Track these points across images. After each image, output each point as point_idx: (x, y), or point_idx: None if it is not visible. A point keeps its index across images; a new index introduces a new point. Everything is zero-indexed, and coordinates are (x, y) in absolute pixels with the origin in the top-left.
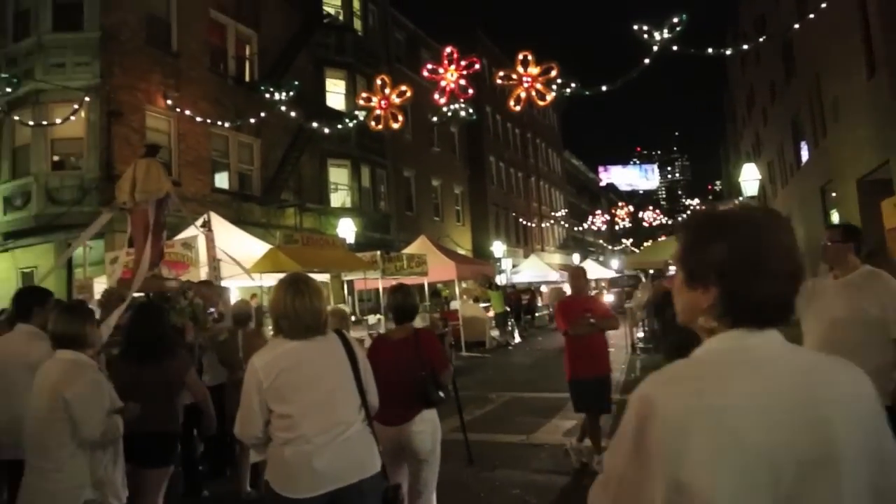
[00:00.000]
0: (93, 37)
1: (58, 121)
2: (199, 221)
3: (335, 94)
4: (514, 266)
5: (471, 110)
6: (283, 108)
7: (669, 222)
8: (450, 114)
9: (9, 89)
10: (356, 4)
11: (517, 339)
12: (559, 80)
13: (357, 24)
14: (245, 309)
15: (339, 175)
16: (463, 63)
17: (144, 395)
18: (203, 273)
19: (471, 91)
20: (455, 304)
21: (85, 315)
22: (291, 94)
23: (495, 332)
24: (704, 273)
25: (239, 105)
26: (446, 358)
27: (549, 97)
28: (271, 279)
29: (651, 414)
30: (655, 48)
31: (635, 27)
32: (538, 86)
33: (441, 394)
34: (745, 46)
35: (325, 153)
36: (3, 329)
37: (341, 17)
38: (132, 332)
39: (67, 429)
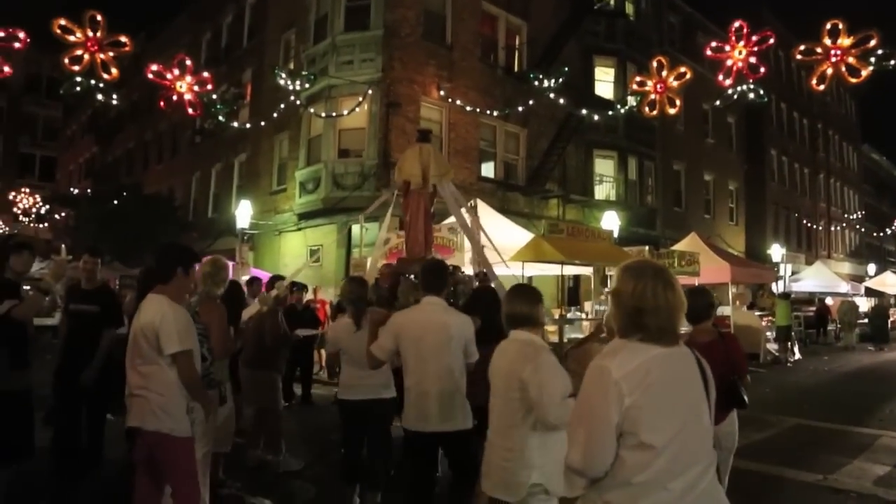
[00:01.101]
0: (377, 34)
1: (345, 112)
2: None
3: (604, 82)
4: (793, 273)
5: (761, 91)
6: (552, 96)
7: None
8: (735, 97)
9: (308, 86)
10: None
11: (797, 355)
12: (879, 51)
13: (629, 8)
14: None
15: (604, 166)
16: (754, 38)
17: (477, 375)
18: (467, 258)
19: (762, 69)
20: (725, 310)
21: (535, 295)
22: (560, 80)
23: (773, 346)
24: None
25: (507, 95)
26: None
27: (865, 72)
28: (532, 269)
29: None
30: None
31: None
32: (850, 59)
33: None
34: None
35: (591, 144)
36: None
37: (612, 3)
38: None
39: (522, 410)
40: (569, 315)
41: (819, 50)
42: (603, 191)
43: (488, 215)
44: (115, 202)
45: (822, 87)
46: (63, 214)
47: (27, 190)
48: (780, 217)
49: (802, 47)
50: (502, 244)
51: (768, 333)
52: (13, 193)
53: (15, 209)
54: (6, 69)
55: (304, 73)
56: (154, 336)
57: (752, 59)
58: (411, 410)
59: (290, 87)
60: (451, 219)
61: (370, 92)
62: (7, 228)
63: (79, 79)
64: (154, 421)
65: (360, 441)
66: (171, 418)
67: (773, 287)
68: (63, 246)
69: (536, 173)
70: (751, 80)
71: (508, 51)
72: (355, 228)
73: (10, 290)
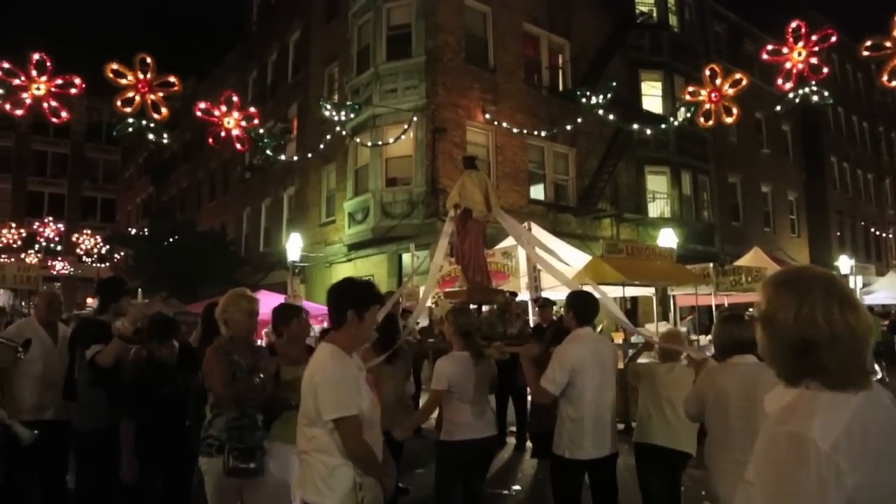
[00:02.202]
0: (419, 61)
1: (391, 140)
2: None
3: (651, 97)
4: (864, 285)
5: (826, 93)
6: (601, 113)
7: None
8: (797, 100)
9: (352, 116)
10: (671, 0)
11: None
12: None
13: (672, 20)
14: None
15: (657, 183)
16: (813, 38)
17: None
18: (523, 283)
19: (825, 70)
20: None
21: (746, 321)
22: (609, 96)
23: None
24: None
25: (553, 115)
26: None
27: None
28: (589, 291)
29: None
30: None
31: None
32: None
33: None
34: None
35: (642, 160)
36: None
37: (655, 15)
38: None
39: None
40: (633, 339)
41: (888, 44)
42: (657, 208)
43: (542, 238)
44: (171, 240)
45: (894, 84)
46: (122, 254)
47: (89, 231)
48: (844, 226)
49: (869, 42)
50: (558, 267)
51: None
52: (76, 235)
53: (78, 250)
54: (63, 115)
55: (348, 103)
56: (314, 395)
57: (814, 60)
58: (587, 439)
59: (336, 119)
60: (504, 244)
61: (415, 119)
62: (72, 269)
63: (131, 120)
64: (315, 494)
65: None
66: (334, 494)
67: None
68: (139, 290)
69: (588, 193)
70: (812, 82)
71: (552, 70)
72: (406, 257)
73: (102, 332)
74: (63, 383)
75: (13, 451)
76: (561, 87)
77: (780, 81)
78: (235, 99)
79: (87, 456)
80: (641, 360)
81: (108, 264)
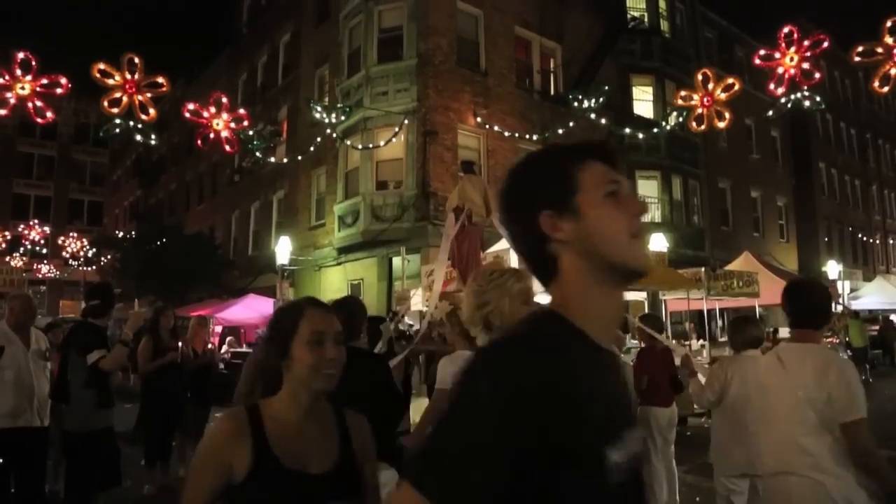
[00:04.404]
0: (411, 64)
1: (381, 143)
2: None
3: (642, 101)
4: (852, 290)
5: (818, 98)
6: (592, 117)
7: None
8: (789, 105)
9: (343, 118)
10: (662, 5)
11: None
12: None
13: (664, 25)
14: None
15: (648, 188)
16: (805, 43)
17: None
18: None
19: (817, 75)
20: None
21: (758, 321)
22: (601, 100)
23: None
24: None
25: (545, 119)
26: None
27: None
28: None
29: None
30: None
31: None
32: None
33: None
34: None
35: (633, 165)
36: None
37: (646, 21)
38: None
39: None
40: (628, 345)
41: (880, 50)
42: (648, 212)
43: None
44: (158, 243)
45: (885, 90)
46: (109, 257)
47: (75, 234)
48: (833, 232)
49: (861, 48)
50: None
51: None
52: (62, 238)
53: (64, 253)
54: (49, 115)
55: (339, 106)
56: (825, 397)
57: (806, 65)
58: None
59: (326, 121)
60: (496, 247)
61: (406, 122)
62: (58, 273)
63: (118, 121)
64: None
65: None
66: None
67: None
68: (136, 300)
69: None
70: (804, 88)
71: (544, 74)
72: (396, 260)
73: (100, 336)
74: (51, 386)
75: None
76: (552, 91)
77: (772, 86)
78: (224, 100)
79: (77, 457)
80: None
81: (94, 268)
